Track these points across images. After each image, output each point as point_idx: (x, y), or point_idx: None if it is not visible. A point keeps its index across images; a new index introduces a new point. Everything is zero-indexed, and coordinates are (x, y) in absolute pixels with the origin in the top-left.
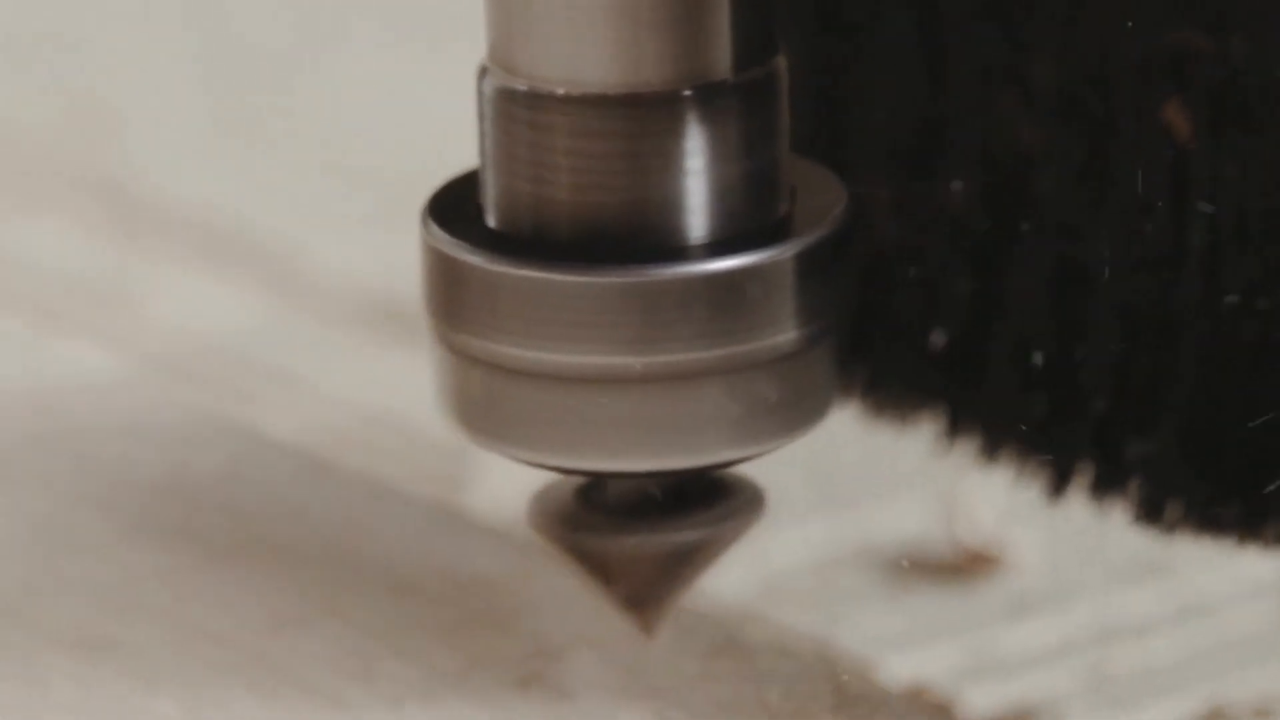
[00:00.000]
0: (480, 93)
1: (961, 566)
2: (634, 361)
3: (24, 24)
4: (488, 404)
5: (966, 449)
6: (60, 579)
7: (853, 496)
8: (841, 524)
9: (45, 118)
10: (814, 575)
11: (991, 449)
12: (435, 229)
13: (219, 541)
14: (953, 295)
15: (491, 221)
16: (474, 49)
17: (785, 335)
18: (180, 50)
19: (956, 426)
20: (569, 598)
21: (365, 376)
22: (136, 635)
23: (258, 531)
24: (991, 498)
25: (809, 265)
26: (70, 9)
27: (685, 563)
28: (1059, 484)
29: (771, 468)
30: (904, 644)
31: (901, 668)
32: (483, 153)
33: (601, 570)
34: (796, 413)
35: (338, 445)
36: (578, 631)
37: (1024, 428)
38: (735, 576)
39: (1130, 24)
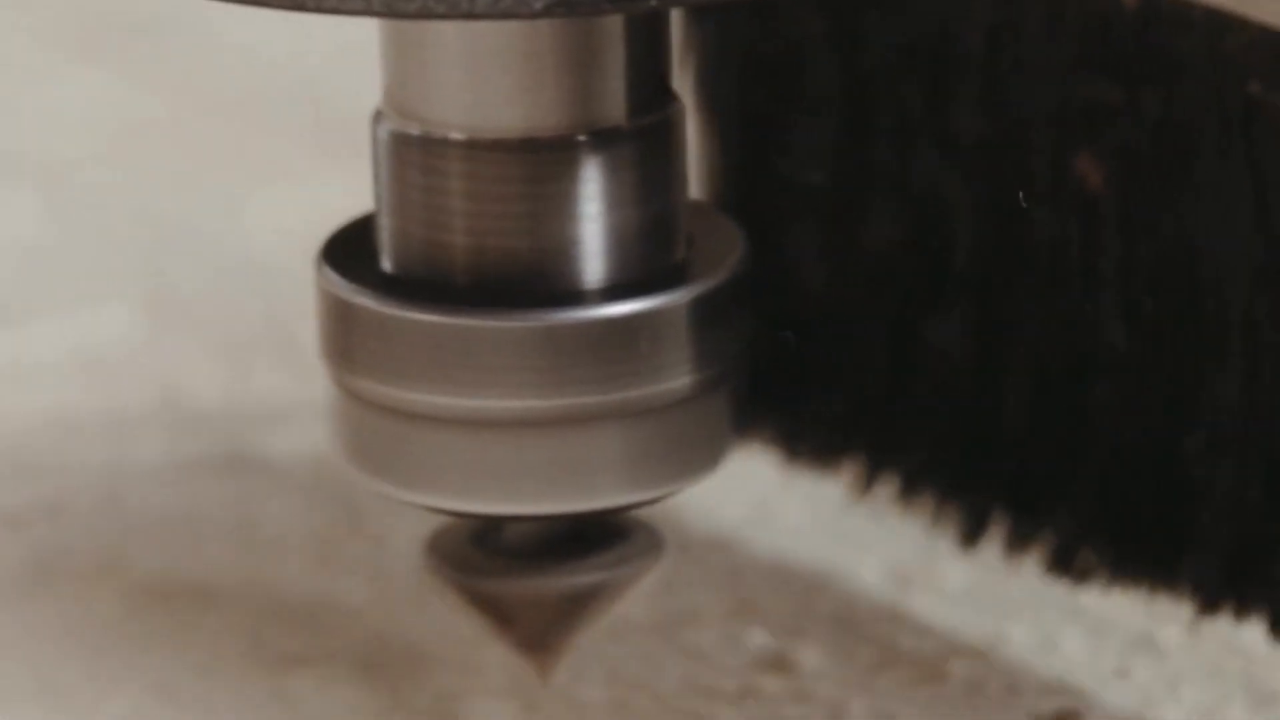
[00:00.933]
0: (375, 137)
1: None
2: (527, 405)
3: None
4: (381, 447)
5: (883, 494)
6: None
7: None
8: None
9: None
10: None
11: (908, 495)
12: (329, 272)
13: None
14: (872, 343)
15: (386, 265)
16: None
17: (680, 380)
18: None
19: (874, 473)
20: None
21: None
22: None
23: None
24: None
25: (704, 311)
26: None
27: (582, 606)
28: (974, 531)
29: None
30: None
31: None
32: (377, 197)
33: (498, 614)
34: (692, 458)
35: None
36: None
37: (939, 476)
38: None
39: (1045, 76)
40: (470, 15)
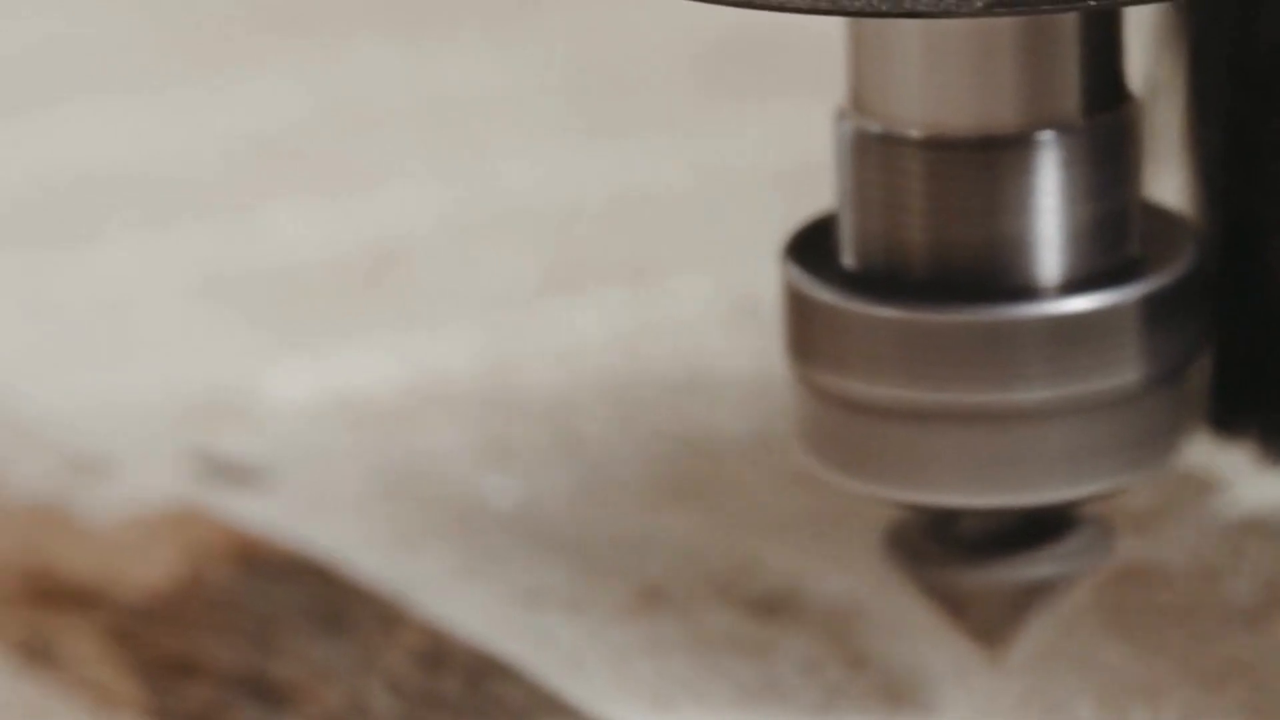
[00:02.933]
0: (838, 136)
1: None
2: (983, 399)
3: None
4: (843, 440)
5: None
6: None
7: None
8: None
9: None
10: None
11: None
12: (794, 268)
13: None
14: None
15: (848, 262)
16: None
17: (1131, 376)
18: None
19: None
20: None
21: None
22: None
23: None
24: None
25: (1156, 308)
26: None
27: (1033, 598)
28: None
29: None
30: None
31: None
32: (840, 194)
33: (952, 604)
34: (1141, 454)
35: None
36: None
37: None
38: None
39: None
40: (912, 13)
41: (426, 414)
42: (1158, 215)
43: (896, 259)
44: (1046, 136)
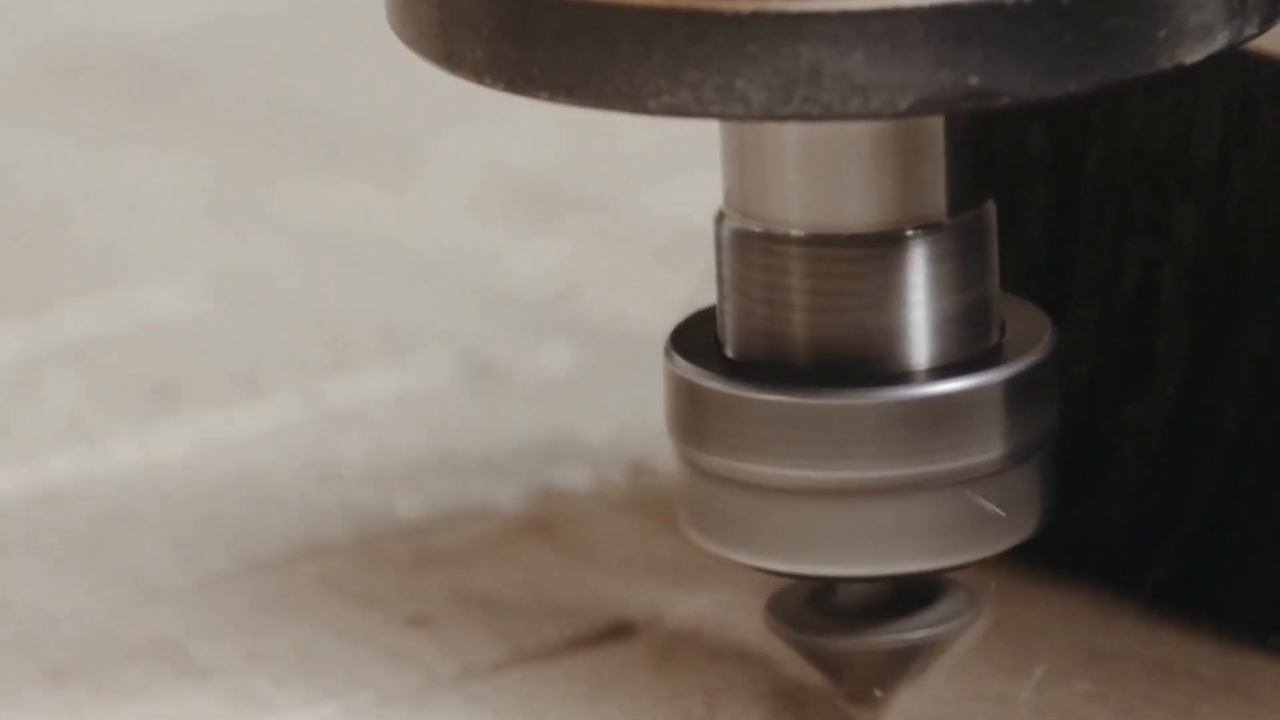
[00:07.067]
0: (718, 235)
1: None
2: (860, 476)
3: None
4: (727, 516)
5: None
6: None
7: None
8: None
9: None
10: None
11: None
12: (678, 358)
13: None
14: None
15: (729, 352)
16: None
17: (996, 453)
18: None
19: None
20: None
21: None
22: None
23: None
24: None
25: (1017, 389)
26: None
27: (907, 662)
28: None
29: None
30: None
31: None
32: (720, 289)
33: (830, 668)
34: (1006, 525)
35: None
36: None
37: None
38: None
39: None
40: (843, 115)
41: None
42: (1015, 303)
43: (776, 348)
44: (915, 234)
